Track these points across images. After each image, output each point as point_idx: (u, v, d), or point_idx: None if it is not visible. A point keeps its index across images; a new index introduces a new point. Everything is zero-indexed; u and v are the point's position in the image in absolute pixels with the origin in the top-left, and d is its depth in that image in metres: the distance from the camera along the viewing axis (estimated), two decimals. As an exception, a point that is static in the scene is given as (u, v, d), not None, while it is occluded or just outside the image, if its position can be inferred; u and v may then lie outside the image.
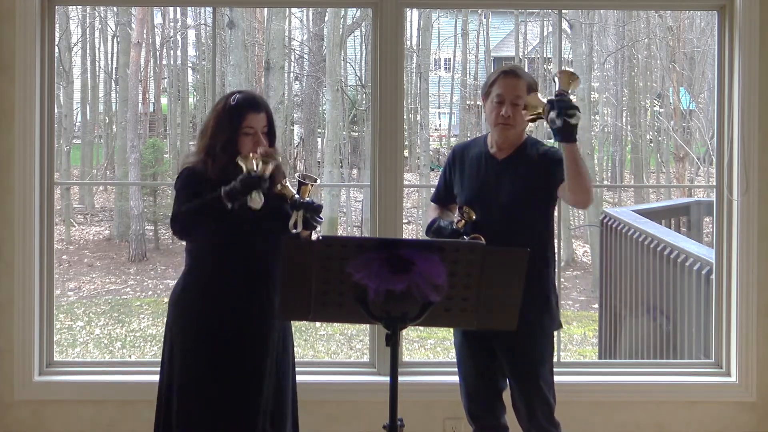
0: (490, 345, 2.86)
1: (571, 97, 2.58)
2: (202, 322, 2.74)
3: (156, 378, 3.49)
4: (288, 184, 2.75)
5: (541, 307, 2.83)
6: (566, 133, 2.55)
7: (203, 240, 2.75)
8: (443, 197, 3.06)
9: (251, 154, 2.63)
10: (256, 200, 2.59)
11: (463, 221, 2.80)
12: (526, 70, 3.66)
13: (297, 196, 2.70)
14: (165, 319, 2.86)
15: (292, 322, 2.94)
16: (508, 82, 2.82)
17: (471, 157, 2.94)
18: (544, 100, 2.59)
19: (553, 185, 2.76)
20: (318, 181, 2.81)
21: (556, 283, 2.94)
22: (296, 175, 2.77)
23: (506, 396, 2.95)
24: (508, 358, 2.86)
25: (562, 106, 2.52)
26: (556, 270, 2.97)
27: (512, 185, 2.81)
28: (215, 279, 2.74)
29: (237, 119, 2.70)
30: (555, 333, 2.95)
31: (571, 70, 2.67)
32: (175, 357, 2.79)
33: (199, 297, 2.74)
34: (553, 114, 2.52)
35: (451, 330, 4.01)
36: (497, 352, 2.87)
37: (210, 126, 2.75)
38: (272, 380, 2.79)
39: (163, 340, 2.90)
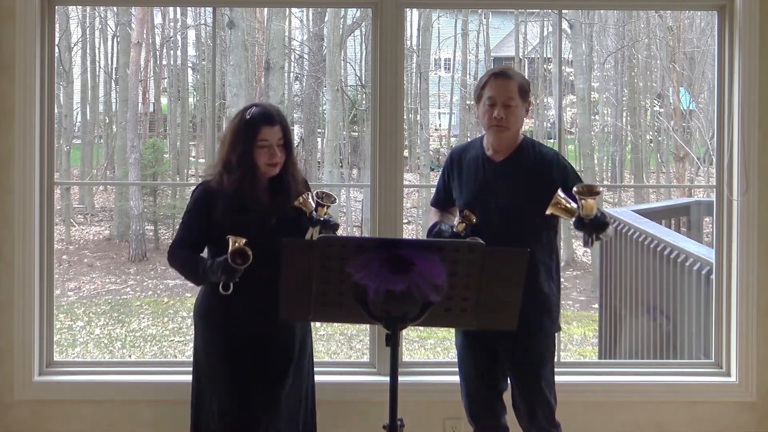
0: (491, 346, 2.86)
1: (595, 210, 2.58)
2: (222, 331, 2.82)
3: (155, 378, 3.54)
4: (310, 198, 2.79)
5: (541, 308, 2.83)
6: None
7: None
8: (443, 201, 3.06)
9: (240, 243, 2.65)
10: (227, 289, 2.71)
11: (464, 224, 2.80)
12: (527, 70, 3.62)
13: (315, 213, 2.76)
14: (165, 319, 2.92)
15: (311, 324, 3.00)
16: (500, 84, 2.82)
17: (468, 160, 2.93)
18: (573, 206, 2.58)
19: (564, 188, 2.71)
20: (336, 200, 2.85)
21: (558, 286, 2.93)
22: (314, 193, 2.78)
23: (506, 396, 2.95)
24: (510, 358, 2.86)
25: (596, 230, 2.57)
26: (559, 272, 2.95)
27: (511, 187, 2.80)
28: (234, 289, 2.77)
29: (252, 133, 2.77)
30: (555, 335, 2.95)
31: (594, 188, 2.64)
32: (200, 366, 2.88)
33: (220, 306, 2.80)
34: (586, 236, 2.59)
35: (451, 330, 4.01)
36: (499, 353, 2.87)
37: (227, 139, 2.83)
38: (287, 383, 2.84)
39: (193, 348, 2.99)
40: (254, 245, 2.70)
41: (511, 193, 2.79)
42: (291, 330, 2.85)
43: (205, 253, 2.89)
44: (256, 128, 2.76)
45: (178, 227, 2.92)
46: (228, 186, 2.77)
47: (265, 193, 2.81)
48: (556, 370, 2.93)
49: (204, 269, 2.73)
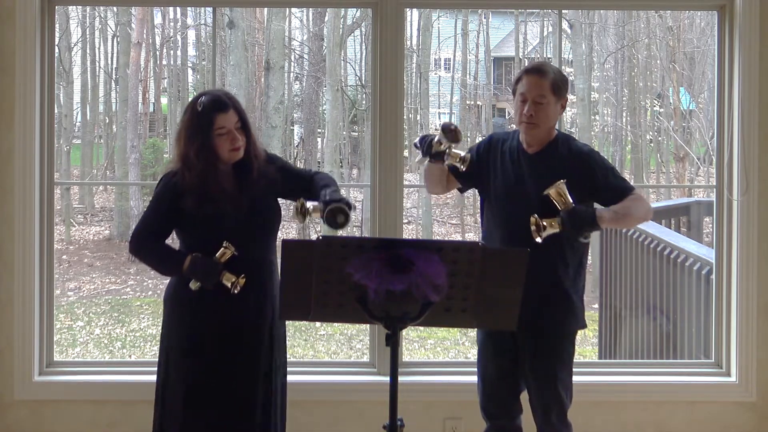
0: (512, 345, 2.86)
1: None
2: (192, 321, 2.78)
3: (155, 378, 3.52)
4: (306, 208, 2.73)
5: (565, 307, 2.83)
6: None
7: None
8: (459, 172, 2.95)
9: (228, 252, 2.69)
10: (196, 285, 2.71)
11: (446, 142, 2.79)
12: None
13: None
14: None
15: (287, 322, 2.98)
16: (531, 81, 2.82)
17: (504, 151, 2.92)
18: (570, 201, 2.70)
19: (591, 187, 2.80)
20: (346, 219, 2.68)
21: (584, 283, 2.92)
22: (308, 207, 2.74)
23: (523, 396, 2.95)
24: (529, 358, 2.85)
25: (577, 226, 2.69)
26: (585, 267, 2.95)
27: (542, 180, 2.79)
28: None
29: (207, 124, 2.70)
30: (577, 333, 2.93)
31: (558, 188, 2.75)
32: (168, 355, 2.83)
33: (190, 295, 2.75)
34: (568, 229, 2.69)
35: (452, 330, 4.00)
36: (519, 353, 2.87)
37: (182, 135, 2.76)
38: (254, 379, 2.80)
39: (159, 339, 2.93)
40: (227, 232, 2.71)
41: (544, 185, 2.78)
42: (263, 325, 2.80)
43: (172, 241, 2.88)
44: (211, 118, 2.69)
45: (141, 215, 2.88)
46: (190, 181, 2.71)
47: (229, 179, 2.77)
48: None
49: (181, 266, 2.70)
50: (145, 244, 2.80)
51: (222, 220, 2.72)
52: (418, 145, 2.90)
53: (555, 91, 2.82)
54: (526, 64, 3.01)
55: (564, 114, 3.04)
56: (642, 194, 2.91)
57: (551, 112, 2.83)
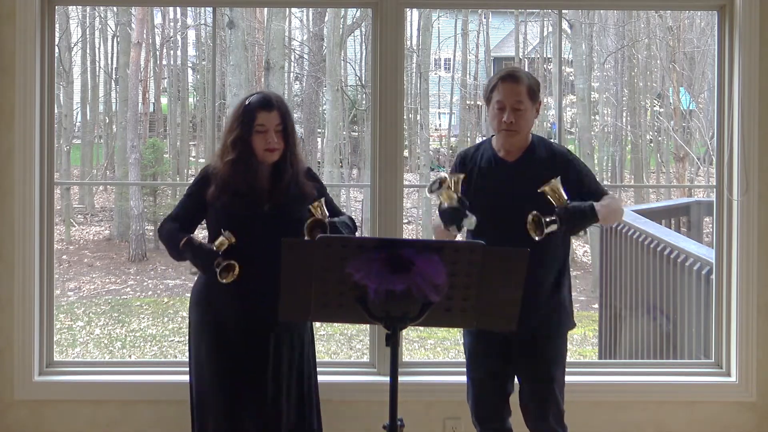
0: (502, 347, 2.85)
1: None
2: (217, 321, 2.83)
3: (155, 378, 3.54)
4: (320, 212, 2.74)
5: (555, 308, 2.83)
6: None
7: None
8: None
9: (227, 241, 2.71)
10: (194, 271, 2.82)
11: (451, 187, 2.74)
12: (526, 70, 3.51)
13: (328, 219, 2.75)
14: (165, 319, 2.93)
15: (314, 324, 3.02)
16: (508, 88, 2.81)
17: (480, 164, 2.91)
18: (565, 197, 2.66)
19: (571, 187, 2.78)
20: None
21: (570, 283, 2.93)
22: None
23: (511, 398, 2.95)
24: (522, 359, 2.84)
25: (577, 221, 2.66)
26: (569, 269, 2.95)
27: (525, 186, 2.79)
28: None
29: (249, 118, 2.80)
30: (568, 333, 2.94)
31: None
32: (194, 354, 2.89)
33: (216, 295, 2.82)
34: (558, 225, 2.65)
35: (452, 330, 4.00)
36: (511, 355, 2.86)
37: (227, 125, 2.89)
38: (285, 380, 2.85)
39: (188, 339, 3.01)
40: (244, 231, 2.73)
41: (527, 192, 2.78)
42: (272, 326, 2.82)
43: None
44: (253, 113, 2.79)
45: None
46: (221, 168, 2.81)
47: (263, 179, 2.83)
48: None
49: (182, 248, 2.76)
50: (164, 226, 2.91)
51: (238, 215, 2.76)
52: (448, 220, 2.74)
53: (531, 96, 2.83)
54: (499, 71, 2.97)
55: (564, 114, 3.05)
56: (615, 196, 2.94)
57: (529, 118, 2.84)
